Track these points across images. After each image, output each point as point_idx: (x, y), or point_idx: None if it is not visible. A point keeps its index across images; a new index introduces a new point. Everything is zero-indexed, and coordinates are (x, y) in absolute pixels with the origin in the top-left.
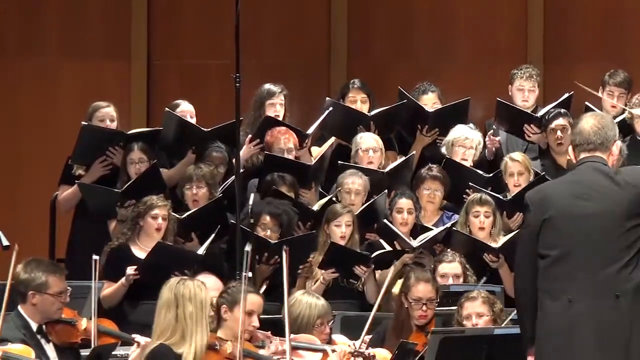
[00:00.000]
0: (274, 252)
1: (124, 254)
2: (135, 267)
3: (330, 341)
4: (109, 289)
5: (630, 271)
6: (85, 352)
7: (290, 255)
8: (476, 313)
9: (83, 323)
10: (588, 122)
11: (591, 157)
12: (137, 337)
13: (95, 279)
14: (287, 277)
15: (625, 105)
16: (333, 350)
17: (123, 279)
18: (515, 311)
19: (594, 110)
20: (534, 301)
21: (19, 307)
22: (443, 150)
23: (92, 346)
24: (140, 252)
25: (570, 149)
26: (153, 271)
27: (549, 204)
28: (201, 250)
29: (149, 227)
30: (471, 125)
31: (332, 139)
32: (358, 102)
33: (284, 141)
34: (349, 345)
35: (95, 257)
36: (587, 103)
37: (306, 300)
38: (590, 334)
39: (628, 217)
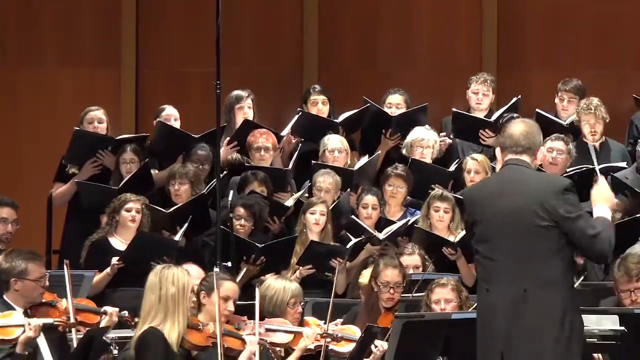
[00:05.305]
0: (259, 254)
1: (103, 247)
2: (118, 257)
3: (302, 321)
4: (95, 278)
5: (539, 267)
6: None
7: (273, 255)
8: (445, 299)
9: (63, 303)
10: (518, 127)
11: (517, 160)
12: (106, 308)
13: (67, 269)
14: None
15: (576, 109)
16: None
17: (108, 269)
18: None
19: (545, 116)
20: None
21: (4, 296)
22: (403, 151)
23: (72, 322)
24: (118, 243)
25: (498, 150)
26: (134, 260)
27: (475, 202)
28: (178, 237)
29: (123, 219)
30: (427, 126)
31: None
32: (319, 103)
33: (262, 141)
34: (319, 325)
35: (66, 261)
36: (537, 110)
37: (280, 283)
38: (502, 322)
39: (541, 216)
